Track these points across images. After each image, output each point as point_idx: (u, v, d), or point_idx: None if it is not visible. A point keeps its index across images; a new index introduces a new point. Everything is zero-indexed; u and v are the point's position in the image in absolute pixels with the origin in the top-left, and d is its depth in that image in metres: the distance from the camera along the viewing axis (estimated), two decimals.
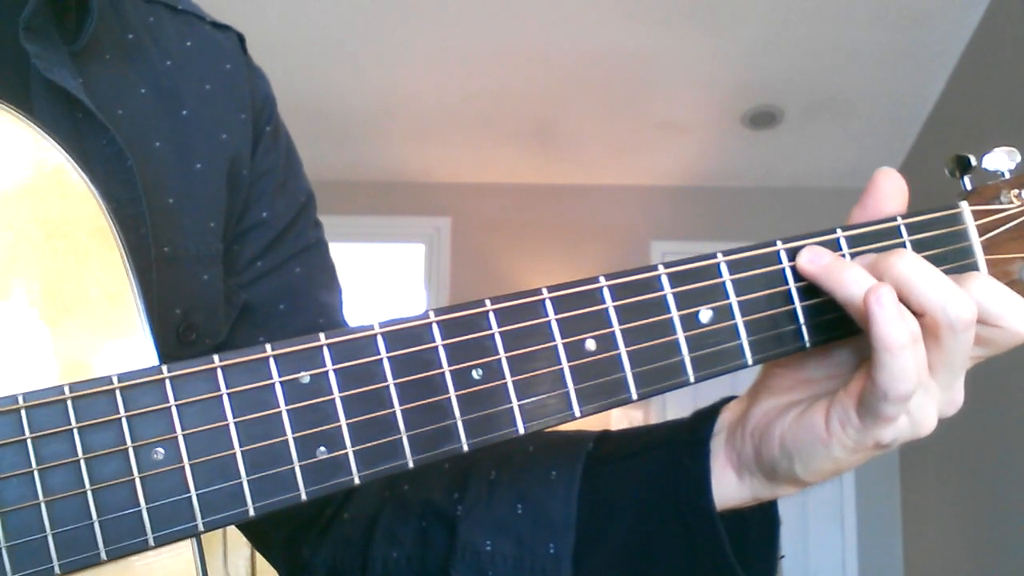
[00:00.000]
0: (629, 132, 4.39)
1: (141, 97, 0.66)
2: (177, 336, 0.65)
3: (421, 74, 3.96)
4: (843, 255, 0.56)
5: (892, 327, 0.49)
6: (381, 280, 4.93)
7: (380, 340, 0.49)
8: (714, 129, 4.33)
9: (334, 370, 0.49)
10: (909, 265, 0.51)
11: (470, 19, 3.58)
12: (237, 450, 0.47)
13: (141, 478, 0.46)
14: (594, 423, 0.54)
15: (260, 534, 0.75)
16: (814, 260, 0.55)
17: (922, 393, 0.52)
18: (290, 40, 3.65)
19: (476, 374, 0.51)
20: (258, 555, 0.78)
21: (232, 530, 0.53)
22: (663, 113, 4.21)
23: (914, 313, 0.50)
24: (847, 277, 0.52)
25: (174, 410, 0.46)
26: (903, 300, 0.50)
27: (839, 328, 0.56)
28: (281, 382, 0.48)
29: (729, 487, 0.60)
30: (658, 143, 4.45)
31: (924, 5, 3.37)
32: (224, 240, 0.69)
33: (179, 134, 0.67)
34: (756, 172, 4.67)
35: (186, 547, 0.47)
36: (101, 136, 0.59)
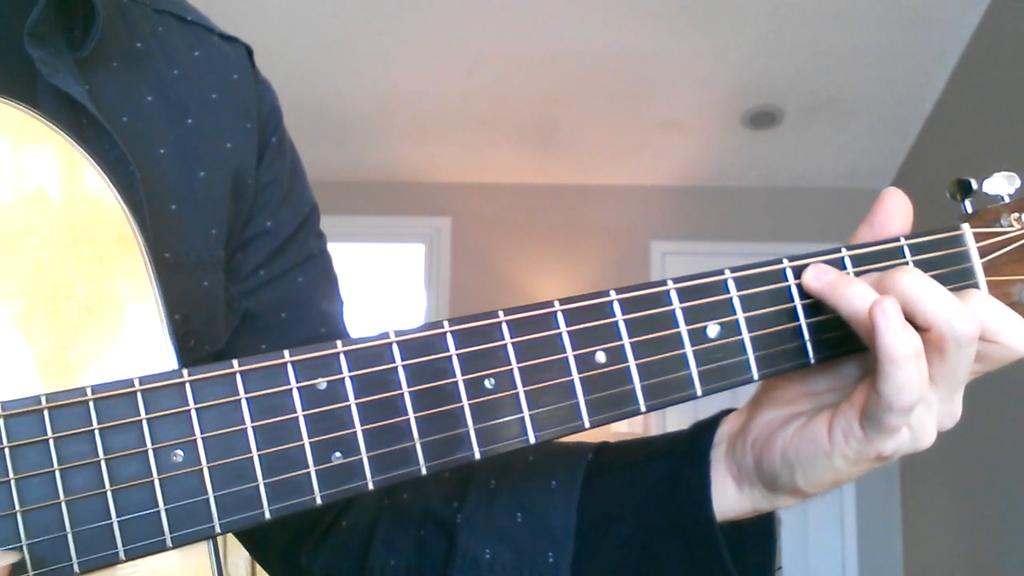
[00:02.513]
0: (629, 132, 4.39)
1: (147, 105, 0.66)
2: (176, 342, 0.66)
3: (421, 74, 3.96)
4: (848, 274, 0.57)
5: (897, 338, 0.50)
6: (381, 280, 4.92)
7: (395, 348, 0.50)
8: (714, 129, 4.32)
9: (350, 377, 0.50)
10: (914, 281, 0.52)
11: (470, 19, 3.58)
12: (254, 453, 0.48)
13: (160, 479, 0.47)
14: (595, 430, 0.55)
15: (257, 541, 0.75)
16: (819, 277, 0.56)
17: (923, 406, 0.52)
18: (290, 40, 3.64)
19: (488, 383, 0.51)
20: None
21: None
22: (663, 113, 4.21)
23: (918, 328, 0.51)
24: (852, 293, 0.53)
25: (193, 413, 0.47)
26: (908, 316, 0.51)
27: (843, 345, 0.57)
28: (298, 388, 0.49)
29: (729, 498, 0.60)
30: (658, 143, 4.45)
31: (924, 5, 3.38)
32: (227, 248, 0.70)
33: (184, 142, 0.67)
34: (756, 172, 4.66)
35: (200, 548, 0.48)
36: (104, 142, 0.60)
